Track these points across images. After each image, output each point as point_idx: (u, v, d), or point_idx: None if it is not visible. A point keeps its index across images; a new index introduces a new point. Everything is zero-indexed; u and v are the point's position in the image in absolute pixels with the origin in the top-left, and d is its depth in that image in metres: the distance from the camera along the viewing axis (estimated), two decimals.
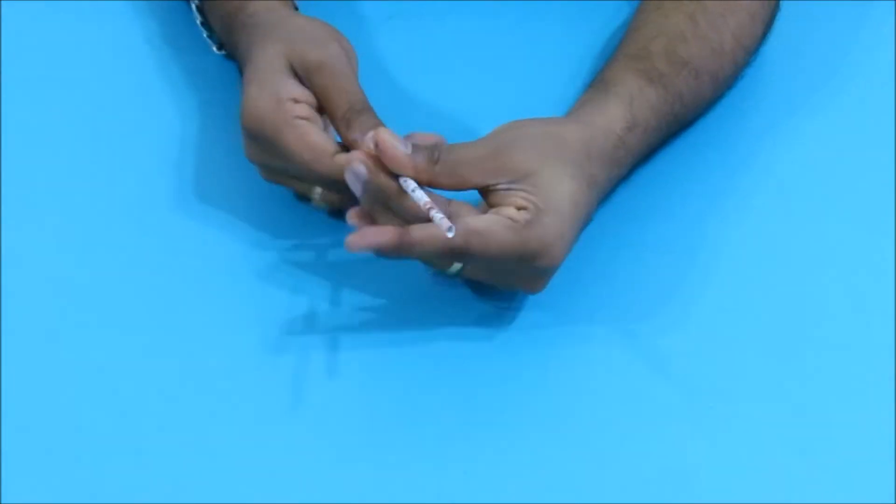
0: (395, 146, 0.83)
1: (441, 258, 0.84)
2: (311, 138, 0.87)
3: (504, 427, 0.84)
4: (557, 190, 0.84)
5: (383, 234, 0.82)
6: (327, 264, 0.91)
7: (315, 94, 0.89)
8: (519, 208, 0.83)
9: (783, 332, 0.88)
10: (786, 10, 1.03)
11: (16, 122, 0.99)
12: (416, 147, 0.84)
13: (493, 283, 0.87)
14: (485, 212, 0.84)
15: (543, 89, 1.01)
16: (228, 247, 0.92)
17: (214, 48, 1.01)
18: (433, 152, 0.84)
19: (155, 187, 0.95)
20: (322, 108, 0.89)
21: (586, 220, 0.87)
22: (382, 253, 0.82)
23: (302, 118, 0.87)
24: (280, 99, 0.87)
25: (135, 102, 1.01)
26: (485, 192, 0.85)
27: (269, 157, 0.89)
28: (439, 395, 0.85)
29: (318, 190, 0.89)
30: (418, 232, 0.82)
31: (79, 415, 0.84)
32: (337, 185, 0.86)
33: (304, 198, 0.92)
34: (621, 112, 0.89)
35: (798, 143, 0.98)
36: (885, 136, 0.99)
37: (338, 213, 0.90)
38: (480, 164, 0.84)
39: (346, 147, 0.87)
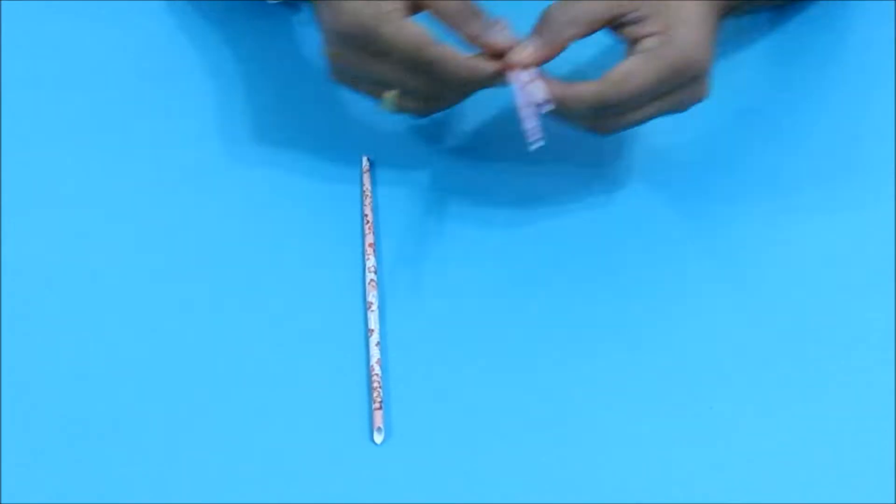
0: (523, 57, 0.87)
1: (597, 113, 0.88)
2: (412, 29, 0.87)
3: (501, 426, 0.84)
4: (676, 3, 0.88)
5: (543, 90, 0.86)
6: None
7: (429, 5, 0.89)
8: (649, 36, 0.87)
9: (782, 331, 0.88)
10: (786, 9, 1.04)
11: (16, 122, 0.99)
12: (530, 39, 0.88)
13: (665, 112, 0.90)
14: None
15: None
16: (228, 249, 0.93)
17: None
18: (545, 32, 0.88)
19: (152, 187, 0.96)
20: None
21: (717, 18, 0.90)
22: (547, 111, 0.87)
23: (397, 10, 0.88)
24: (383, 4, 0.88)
25: (135, 102, 1.01)
26: (616, 32, 0.89)
27: (360, 59, 0.89)
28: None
29: (393, 93, 0.90)
30: (568, 90, 0.87)
31: (79, 414, 0.84)
32: (430, 76, 0.88)
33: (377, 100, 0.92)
34: None
35: (798, 143, 0.99)
36: (885, 136, 0.99)
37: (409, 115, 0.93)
38: (591, 15, 0.88)
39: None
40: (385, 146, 0.98)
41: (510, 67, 0.88)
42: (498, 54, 0.89)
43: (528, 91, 0.87)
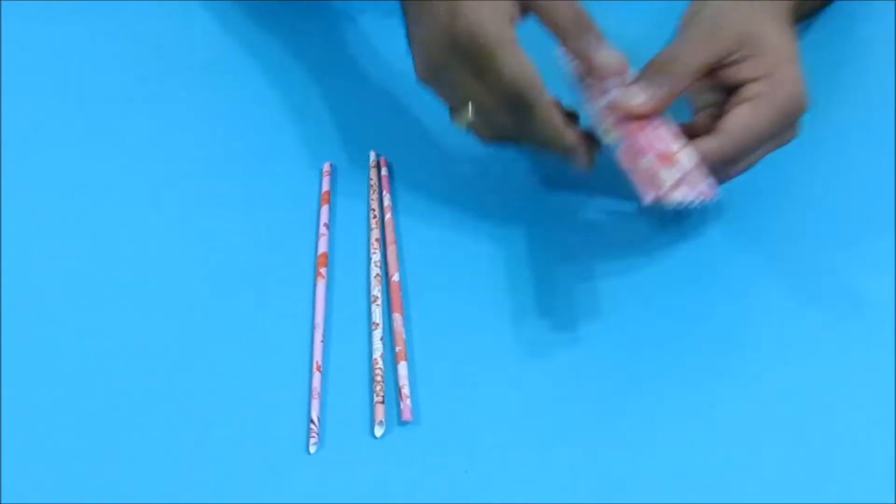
0: (635, 106, 0.85)
1: (712, 167, 0.85)
2: (527, 65, 0.83)
3: (503, 422, 0.84)
4: (774, 41, 0.87)
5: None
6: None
7: (536, 9, 0.86)
8: (752, 80, 0.86)
9: (781, 330, 0.88)
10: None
11: (15, 123, 0.99)
12: (643, 86, 0.86)
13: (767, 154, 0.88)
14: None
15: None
16: (231, 243, 0.93)
17: None
18: (656, 79, 0.85)
19: (153, 187, 0.96)
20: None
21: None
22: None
23: (514, 38, 0.84)
24: (502, 9, 0.84)
25: (135, 102, 1.01)
26: (713, 76, 0.87)
27: (458, 68, 0.84)
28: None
29: (471, 112, 0.86)
30: (701, 146, 0.85)
31: (79, 415, 0.84)
32: (519, 116, 0.84)
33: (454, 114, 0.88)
34: None
35: (798, 143, 0.98)
36: (885, 135, 0.99)
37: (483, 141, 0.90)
38: (698, 59, 0.86)
39: None
40: (394, 142, 0.98)
41: (619, 111, 0.86)
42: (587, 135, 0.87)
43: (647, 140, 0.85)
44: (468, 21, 0.83)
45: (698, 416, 0.84)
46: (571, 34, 0.86)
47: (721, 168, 0.86)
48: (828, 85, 1.02)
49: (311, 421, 0.83)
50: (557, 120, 0.85)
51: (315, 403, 0.83)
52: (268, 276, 0.91)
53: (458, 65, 0.84)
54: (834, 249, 0.93)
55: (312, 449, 0.82)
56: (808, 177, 0.97)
